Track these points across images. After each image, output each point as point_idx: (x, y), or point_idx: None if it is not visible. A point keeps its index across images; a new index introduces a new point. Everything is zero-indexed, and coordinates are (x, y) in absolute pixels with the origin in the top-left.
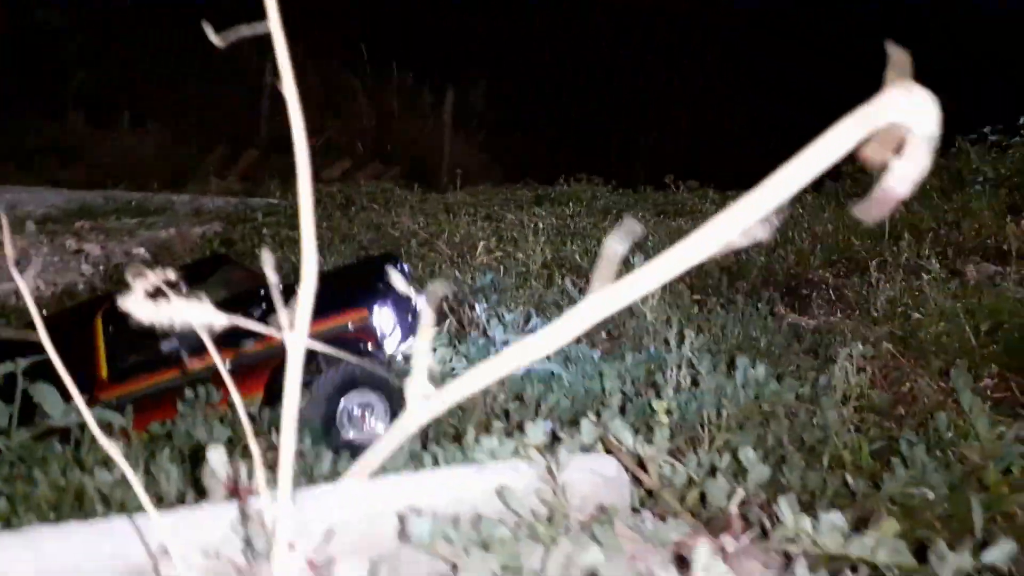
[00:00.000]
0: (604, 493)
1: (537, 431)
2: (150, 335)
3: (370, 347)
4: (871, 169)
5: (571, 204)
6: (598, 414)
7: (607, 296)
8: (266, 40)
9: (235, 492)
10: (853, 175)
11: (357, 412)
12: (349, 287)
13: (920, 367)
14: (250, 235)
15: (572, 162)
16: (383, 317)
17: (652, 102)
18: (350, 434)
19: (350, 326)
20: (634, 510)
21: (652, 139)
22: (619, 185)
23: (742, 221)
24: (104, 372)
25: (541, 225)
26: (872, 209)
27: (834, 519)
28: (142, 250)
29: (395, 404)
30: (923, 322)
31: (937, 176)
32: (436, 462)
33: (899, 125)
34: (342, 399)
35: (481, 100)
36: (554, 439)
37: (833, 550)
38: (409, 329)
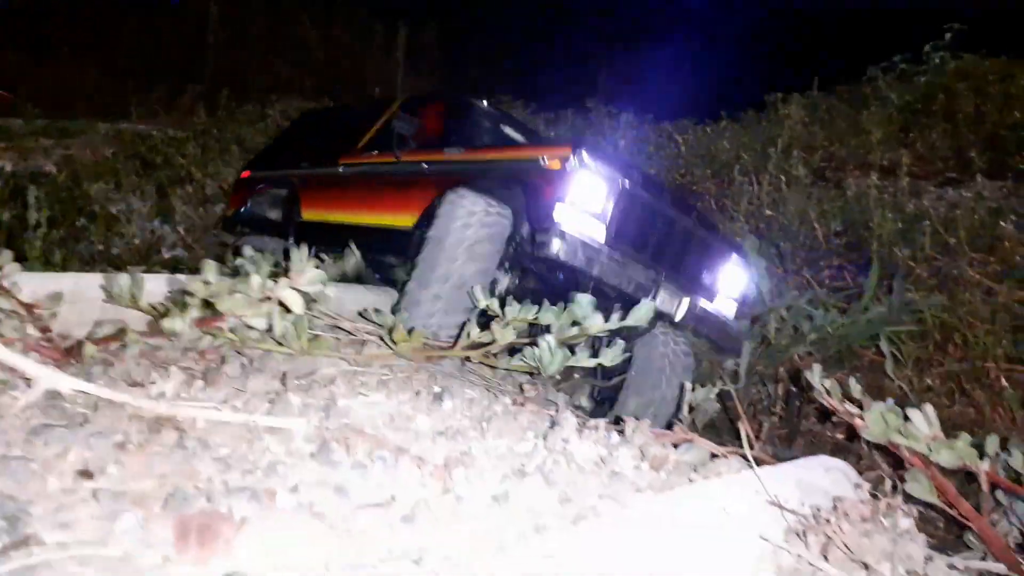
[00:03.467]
0: None
1: None
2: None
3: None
4: None
5: None
6: None
7: None
8: None
9: None
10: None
11: None
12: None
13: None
14: (160, 154)
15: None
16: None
17: (604, 39)
18: None
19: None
20: None
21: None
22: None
23: None
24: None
25: None
26: None
27: None
28: (51, 165)
29: None
30: (779, 220)
31: (847, 103)
32: None
33: None
34: None
35: (433, 38)
36: None
37: None
38: None
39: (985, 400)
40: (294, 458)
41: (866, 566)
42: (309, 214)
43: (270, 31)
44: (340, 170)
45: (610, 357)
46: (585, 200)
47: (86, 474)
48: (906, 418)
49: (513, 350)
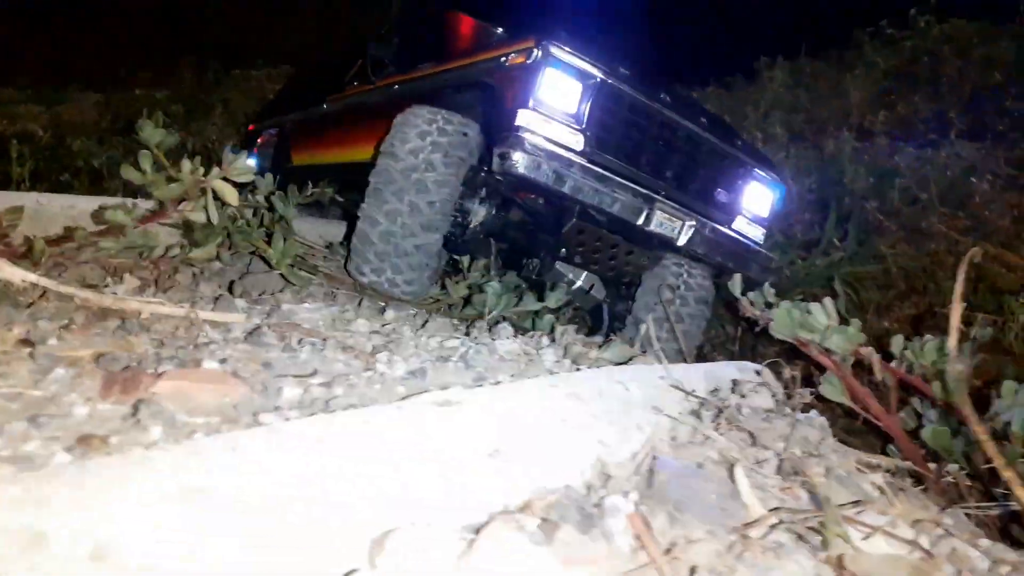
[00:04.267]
0: None
1: None
2: None
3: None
4: None
5: None
6: None
7: None
8: None
9: None
10: None
11: None
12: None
13: None
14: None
15: None
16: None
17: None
18: None
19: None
20: None
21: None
22: None
23: None
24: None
25: None
26: None
27: None
28: (38, 128)
29: None
30: None
31: (835, 67)
32: None
33: None
34: None
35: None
36: None
37: None
38: None
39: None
40: (228, 342)
41: (752, 435)
42: (298, 158)
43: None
44: (324, 108)
45: (553, 300)
46: (556, 101)
47: (27, 343)
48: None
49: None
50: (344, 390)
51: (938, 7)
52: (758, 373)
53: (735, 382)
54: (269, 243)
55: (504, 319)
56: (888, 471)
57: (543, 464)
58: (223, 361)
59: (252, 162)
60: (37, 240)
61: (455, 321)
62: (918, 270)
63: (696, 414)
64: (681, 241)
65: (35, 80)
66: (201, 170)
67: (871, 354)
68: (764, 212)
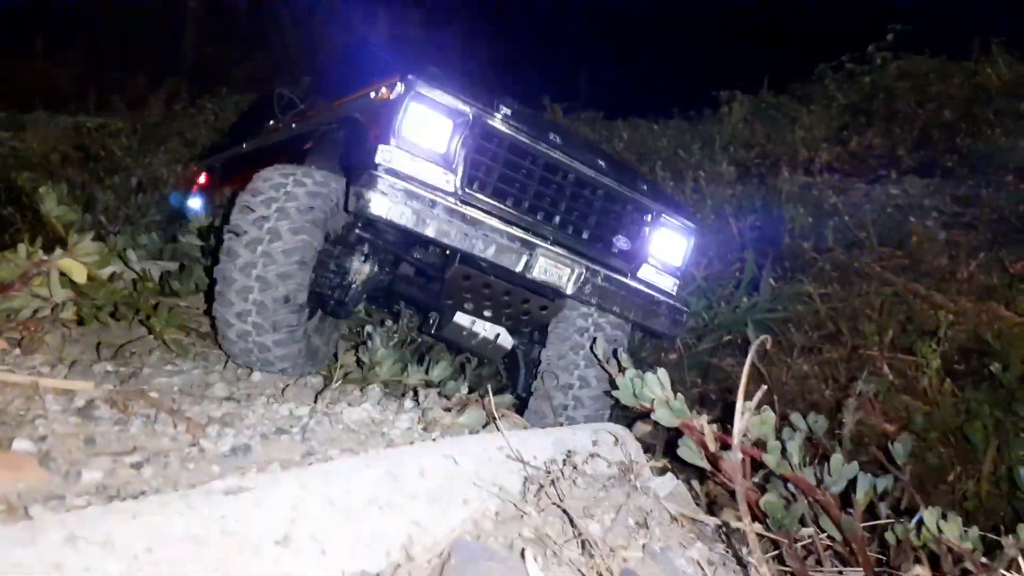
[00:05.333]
0: None
1: None
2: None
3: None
4: None
5: None
6: None
7: None
8: None
9: None
10: None
11: None
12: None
13: None
14: (101, 146)
15: None
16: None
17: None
18: None
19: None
20: None
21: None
22: None
23: None
24: None
25: None
26: None
27: None
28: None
29: None
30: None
31: (797, 100)
32: None
33: None
34: None
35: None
36: None
37: None
38: None
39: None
40: (64, 414)
41: (581, 510)
42: (219, 200)
43: (252, 24)
44: (243, 148)
45: (437, 373)
46: (422, 139)
47: None
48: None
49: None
50: (154, 471)
51: (895, 44)
52: (615, 438)
53: (570, 452)
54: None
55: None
56: (727, 536)
57: (341, 549)
58: (42, 439)
59: (196, 201)
60: None
61: (331, 387)
62: (847, 311)
63: (525, 487)
64: (569, 289)
65: (7, 103)
66: (40, 253)
67: (703, 424)
68: (675, 260)
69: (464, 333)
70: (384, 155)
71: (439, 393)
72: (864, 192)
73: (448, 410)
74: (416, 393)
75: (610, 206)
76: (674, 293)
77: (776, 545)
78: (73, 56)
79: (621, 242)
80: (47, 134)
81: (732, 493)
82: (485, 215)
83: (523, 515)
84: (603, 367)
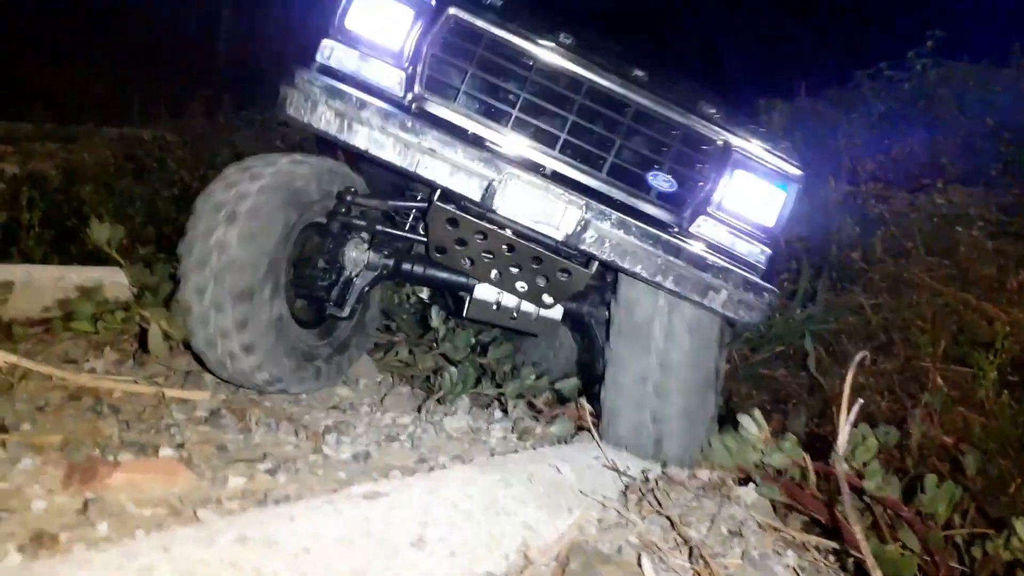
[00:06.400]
0: None
1: None
2: None
3: None
4: None
5: None
6: None
7: None
8: None
9: None
10: None
11: None
12: None
13: None
14: (153, 157)
15: None
16: None
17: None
18: None
19: None
20: None
21: None
22: None
23: None
24: None
25: None
26: None
27: None
28: (51, 169)
29: None
30: None
31: (832, 106)
32: None
33: None
34: None
35: None
36: None
37: None
38: None
39: (912, 397)
40: (191, 422)
41: (678, 518)
42: None
43: (283, 34)
44: None
45: (493, 354)
46: (374, 33)
47: (3, 428)
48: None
49: None
50: (287, 477)
51: (935, 50)
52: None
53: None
54: None
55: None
56: (817, 549)
57: (467, 551)
58: (180, 446)
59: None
60: (16, 326)
61: (416, 391)
62: (898, 322)
63: (624, 496)
64: (559, 234)
65: (53, 115)
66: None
67: (808, 463)
68: (762, 217)
69: (495, 310)
70: (325, 51)
71: (527, 402)
72: (909, 201)
73: (536, 419)
74: (501, 402)
75: (646, 131)
76: (755, 263)
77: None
78: (105, 64)
79: (662, 182)
80: (97, 146)
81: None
82: (441, 128)
83: (627, 522)
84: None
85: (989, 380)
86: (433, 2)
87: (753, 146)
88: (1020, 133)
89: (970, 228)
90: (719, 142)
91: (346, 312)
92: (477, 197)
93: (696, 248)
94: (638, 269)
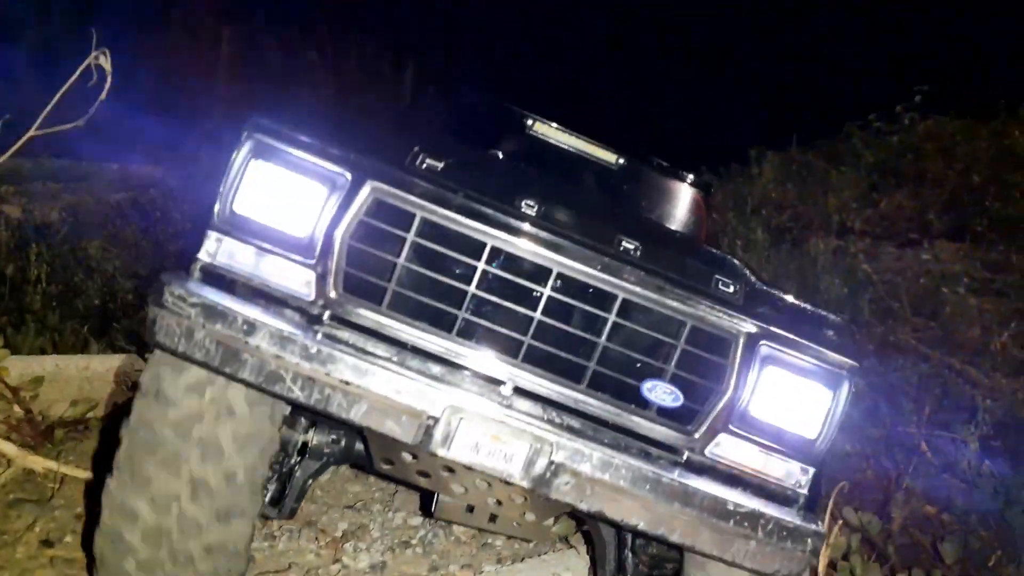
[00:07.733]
0: None
1: None
2: None
3: None
4: None
5: None
6: None
7: None
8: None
9: None
10: None
11: None
12: None
13: None
14: (159, 200)
15: None
16: None
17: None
18: None
19: None
20: None
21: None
22: None
23: None
24: None
25: None
26: None
27: None
28: (56, 213)
29: None
30: None
31: (822, 157)
32: None
33: None
34: None
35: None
36: None
37: None
38: None
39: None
40: None
41: None
42: None
43: (282, 65)
44: None
45: None
46: (273, 218)
47: (47, 543)
48: None
49: None
50: None
51: (923, 104)
52: None
53: None
54: None
55: None
56: None
57: None
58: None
59: None
60: (57, 431)
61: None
62: (884, 386)
63: None
64: (523, 481)
65: (63, 148)
66: None
67: None
68: (803, 427)
69: (467, 512)
70: (209, 246)
71: None
72: (896, 256)
73: None
74: None
75: (640, 326)
76: (793, 491)
77: None
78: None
79: (662, 394)
80: (101, 186)
81: None
82: (359, 349)
83: None
84: None
85: (971, 450)
86: (348, 175)
87: (788, 335)
88: (1004, 189)
89: (956, 286)
90: (741, 333)
91: (285, 513)
92: (410, 440)
93: (712, 488)
94: (633, 521)
